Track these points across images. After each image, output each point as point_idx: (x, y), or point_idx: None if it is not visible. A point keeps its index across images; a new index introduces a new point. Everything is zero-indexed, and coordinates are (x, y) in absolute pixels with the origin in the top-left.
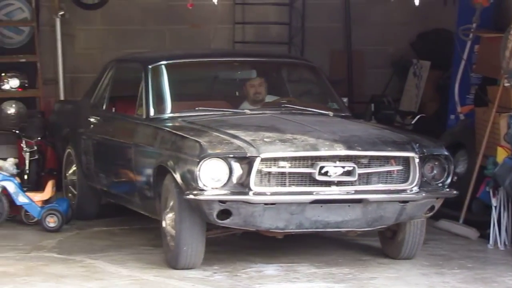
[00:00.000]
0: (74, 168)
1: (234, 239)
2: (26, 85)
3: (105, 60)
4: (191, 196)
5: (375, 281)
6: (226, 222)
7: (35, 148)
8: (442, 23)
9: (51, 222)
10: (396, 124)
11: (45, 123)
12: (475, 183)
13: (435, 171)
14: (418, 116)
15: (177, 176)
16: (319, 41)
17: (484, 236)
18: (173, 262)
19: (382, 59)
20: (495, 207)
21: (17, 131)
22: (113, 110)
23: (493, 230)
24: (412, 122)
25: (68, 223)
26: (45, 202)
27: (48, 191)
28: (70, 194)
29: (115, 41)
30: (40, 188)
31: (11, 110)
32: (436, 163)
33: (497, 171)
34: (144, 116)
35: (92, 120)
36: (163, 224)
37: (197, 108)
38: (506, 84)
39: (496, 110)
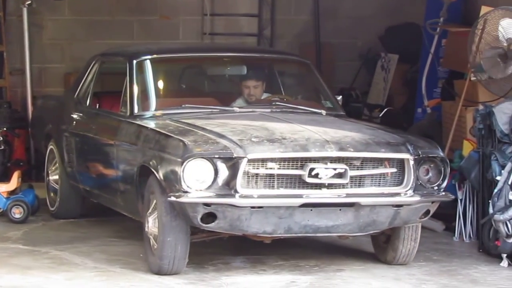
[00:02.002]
0: (56, 165)
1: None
2: None
3: (73, 51)
4: (174, 198)
5: (341, 273)
6: (211, 226)
7: (1, 138)
8: (410, 17)
9: (17, 213)
10: (364, 117)
11: (11, 114)
12: None
13: (430, 174)
14: (385, 109)
15: (160, 177)
16: (288, 33)
17: (450, 229)
18: (155, 267)
19: (351, 52)
20: (461, 200)
21: None
22: (97, 107)
23: (458, 223)
24: (380, 115)
25: (34, 214)
26: (11, 193)
27: (14, 182)
28: (52, 194)
29: (83, 31)
30: (5, 179)
31: None
32: (432, 165)
33: (463, 164)
34: (128, 113)
35: (75, 116)
36: (145, 227)
37: (183, 105)
38: (473, 78)
39: (463, 104)
